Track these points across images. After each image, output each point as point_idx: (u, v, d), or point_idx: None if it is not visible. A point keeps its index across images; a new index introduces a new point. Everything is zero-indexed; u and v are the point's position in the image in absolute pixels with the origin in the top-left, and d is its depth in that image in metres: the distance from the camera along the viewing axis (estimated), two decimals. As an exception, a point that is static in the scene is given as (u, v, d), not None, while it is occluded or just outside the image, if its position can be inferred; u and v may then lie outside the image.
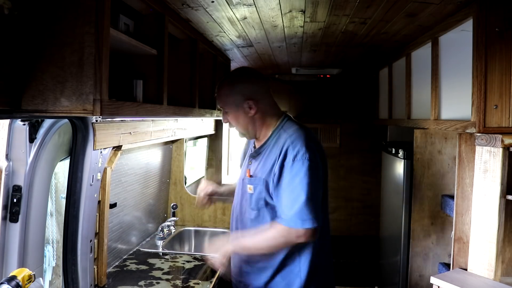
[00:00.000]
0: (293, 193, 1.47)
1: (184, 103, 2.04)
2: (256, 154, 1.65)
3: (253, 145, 1.74)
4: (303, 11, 1.79)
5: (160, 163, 2.77)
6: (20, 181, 1.35)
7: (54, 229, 1.63)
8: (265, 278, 1.60)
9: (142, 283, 1.93)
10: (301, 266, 1.57)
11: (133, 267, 2.14)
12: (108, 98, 1.17)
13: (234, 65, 3.28)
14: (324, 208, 1.59)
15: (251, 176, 1.63)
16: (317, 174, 1.50)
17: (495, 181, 1.60)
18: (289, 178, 1.48)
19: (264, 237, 1.53)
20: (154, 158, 2.67)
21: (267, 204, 1.57)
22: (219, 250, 1.61)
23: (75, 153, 1.52)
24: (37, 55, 1.11)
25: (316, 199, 1.50)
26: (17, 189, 1.34)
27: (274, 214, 1.56)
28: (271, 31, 2.16)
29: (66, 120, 1.43)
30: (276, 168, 1.52)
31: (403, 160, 2.72)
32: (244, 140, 1.82)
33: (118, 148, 1.80)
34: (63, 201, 1.57)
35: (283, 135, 1.57)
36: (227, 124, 1.70)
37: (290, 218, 1.46)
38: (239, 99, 1.60)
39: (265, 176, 1.56)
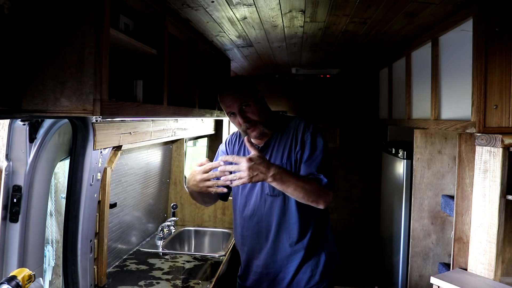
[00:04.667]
0: (326, 161, 1.64)
1: (184, 103, 2.04)
2: (265, 147, 1.74)
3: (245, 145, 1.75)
4: (303, 11, 1.79)
5: (160, 163, 2.77)
6: (20, 181, 1.34)
7: (54, 229, 1.63)
8: (297, 261, 1.72)
9: (142, 283, 1.93)
10: (323, 241, 1.76)
11: (133, 267, 2.14)
12: (108, 98, 1.17)
13: (234, 65, 3.28)
14: None
15: None
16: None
17: (495, 181, 1.60)
18: (320, 147, 1.66)
19: (308, 184, 1.55)
20: (154, 158, 2.66)
21: None
22: (263, 160, 1.48)
23: (75, 153, 1.52)
24: (37, 55, 1.11)
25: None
26: (17, 189, 1.34)
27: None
28: (271, 31, 2.16)
29: (66, 120, 1.43)
30: (298, 146, 1.67)
31: (403, 160, 2.72)
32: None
33: (118, 148, 1.80)
34: (63, 201, 1.57)
35: (291, 122, 1.73)
36: (243, 125, 1.66)
37: (329, 183, 1.60)
38: (255, 90, 1.72)
39: (285, 160, 1.68)
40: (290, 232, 1.71)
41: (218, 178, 1.53)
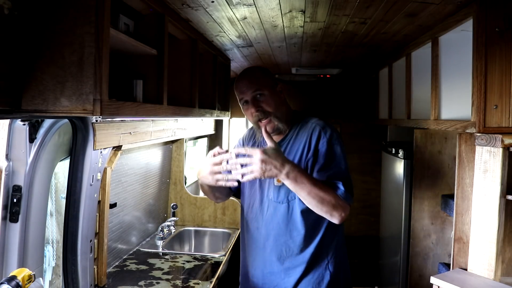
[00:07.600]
0: (344, 171, 1.53)
1: (184, 103, 2.04)
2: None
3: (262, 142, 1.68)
4: (303, 11, 1.79)
5: (160, 163, 2.77)
6: (20, 181, 1.35)
7: (54, 229, 1.63)
8: (296, 276, 1.56)
9: (142, 283, 1.93)
10: (328, 258, 1.59)
11: (133, 267, 2.14)
12: (108, 98, 1.17)
13: (234, 65, 3.27)
14: None
15: None
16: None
17: (495, 181, 1.60)
18: (336, 156, 1.55)
19: (324, 192, 1.42)
20: (154, 158, 2.67)
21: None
22: (278, 154, 1.36)
23: (75, 153, 1.52)
24: (37, 55, 1.11)
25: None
26: (17, 189, 1.34)
27: (304, 206, 1.49)
28: (271, 31, 2.16)
29: (66, 120, 1.43)
30: (310, 153, 1.54)
31: (403, 160, 2.72)
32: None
33: (118, 148, 1.80)
34: (63, 201, 1.57)
35: (308, 124, 1.61)
36: (256, 114, 1.54)
37: (347, 194, 1.48)
38: (273, 81, 1.62)
39: (296, 164, 1.51)
40: (290, 244, 1.56)
41: (229, 172, 1.42)
